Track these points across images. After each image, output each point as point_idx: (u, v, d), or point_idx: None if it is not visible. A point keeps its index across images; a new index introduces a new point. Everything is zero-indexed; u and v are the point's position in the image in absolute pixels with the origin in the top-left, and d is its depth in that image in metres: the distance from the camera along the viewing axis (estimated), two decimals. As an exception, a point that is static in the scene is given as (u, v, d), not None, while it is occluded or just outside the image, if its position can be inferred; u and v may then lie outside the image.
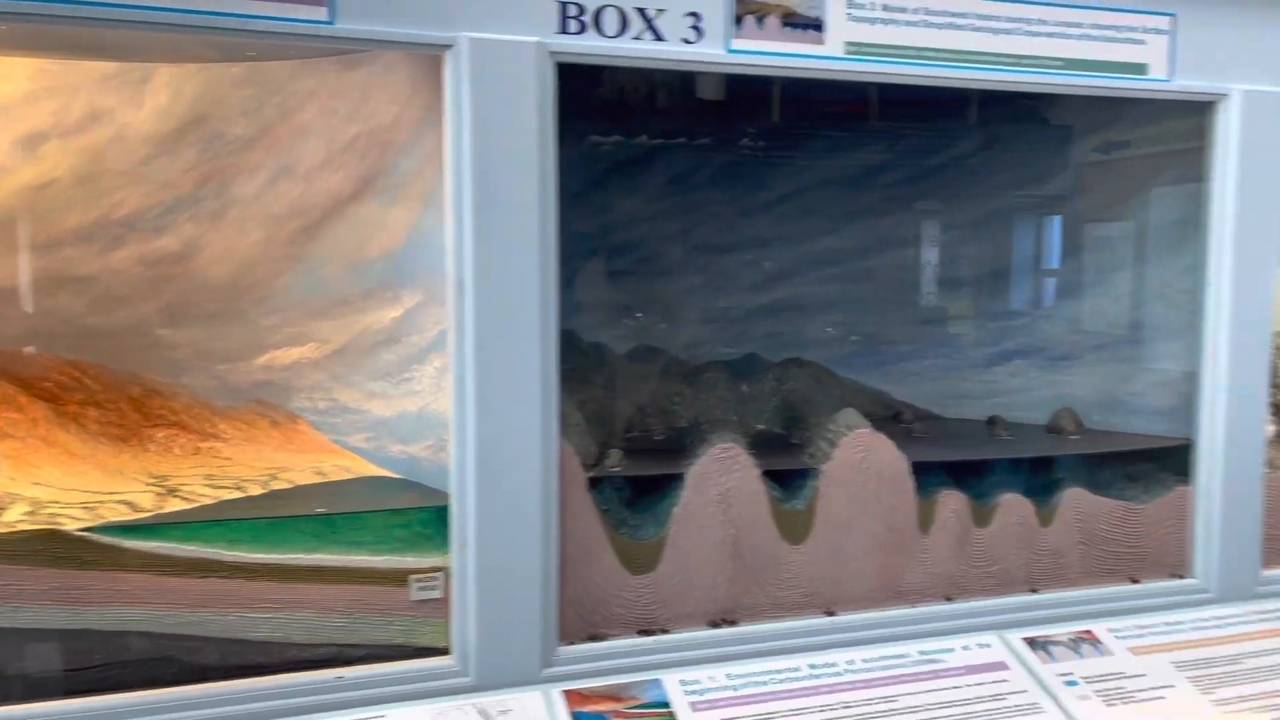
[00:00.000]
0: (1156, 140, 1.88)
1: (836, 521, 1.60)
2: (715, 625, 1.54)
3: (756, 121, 2.04)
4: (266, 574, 1.37)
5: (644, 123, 1.96)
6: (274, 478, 1.54)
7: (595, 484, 1.51)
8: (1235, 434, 1.74)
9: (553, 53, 1.37)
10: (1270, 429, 2.08)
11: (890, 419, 2.02)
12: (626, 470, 1.59)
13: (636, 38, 1.41)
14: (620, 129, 1.95)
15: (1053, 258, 2.05)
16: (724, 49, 1.45)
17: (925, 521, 1.64)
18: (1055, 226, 2.06)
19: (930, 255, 2.17)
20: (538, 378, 1.38)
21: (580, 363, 1.78)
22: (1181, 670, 1.58)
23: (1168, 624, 1.68)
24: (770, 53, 1.47)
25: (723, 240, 2.08)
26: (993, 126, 2.04)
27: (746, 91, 1.99)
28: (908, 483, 1.63)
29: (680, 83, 1.96)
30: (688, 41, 1.43)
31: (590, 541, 1.48)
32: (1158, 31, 1.63)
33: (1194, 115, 1.73)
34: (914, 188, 2.10)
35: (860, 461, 1.61)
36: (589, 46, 1.39)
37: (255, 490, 1.49)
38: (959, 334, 2.08)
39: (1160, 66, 1.64)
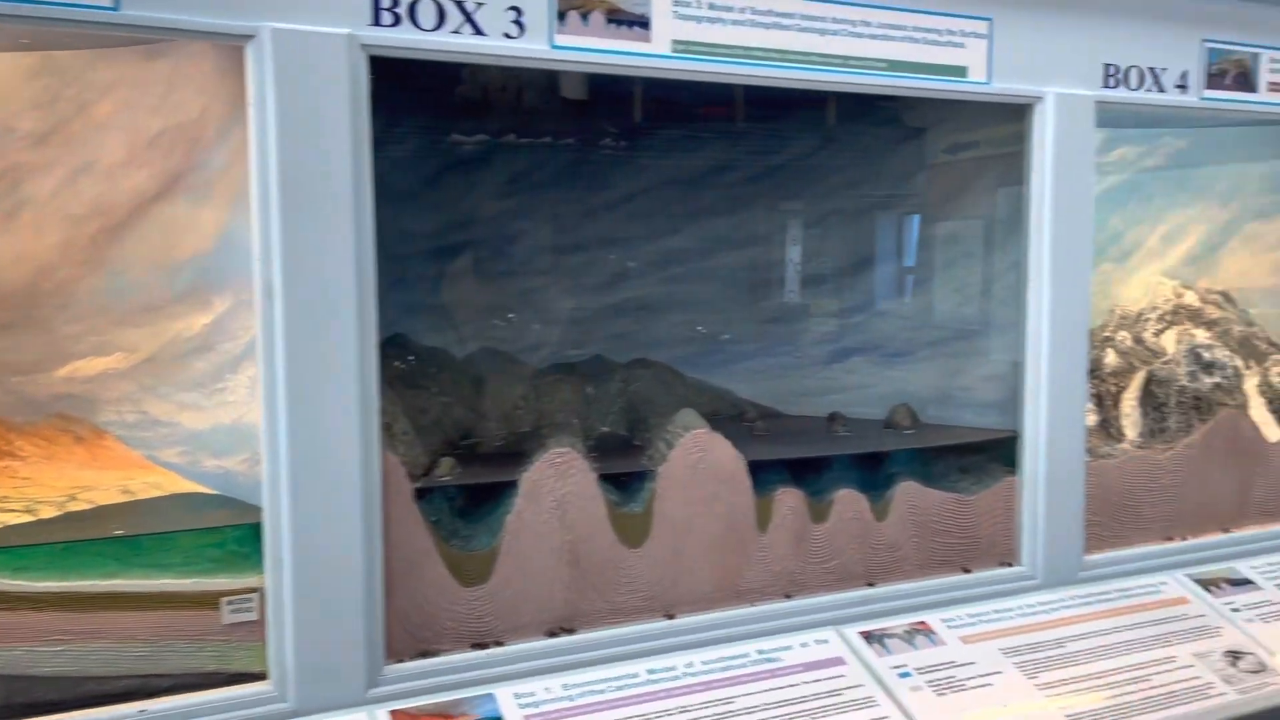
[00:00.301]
0: (999, 142, 1.94)
1: (674, 523, 1.58)
2: (553, 635, 1.51)
3: (602, 120, 2.02)
4: (58, 603, 1.27)
5: (485, 120, 1.91)
6: (72, 498, 1.44)
7: (423, 494, 1.45)
8: (1057, 425, 1.80)
9: (364, 45, 1.31)
10: (1091, 419, 2.17)
11: (734, 418, 2.03)
12: (459, 479, 1.54)
13: (455, 31, 1.36)
14: (460, 126, 1.90)
15: (894, 256, 2.10)
16: (548, 45, 1.42)
17: (763, 520, 1.65)
18: (898, 226, 2.11)
19: (776, 254, 2.19)
20: (355, 386, 1.31)
21: (414, 367, 1.72)
22: (1009, 657, 1.62)
23: (997, 611, 1.73)
24: (595, 49, 1.44)
25: (569, 240, 2.05)
26: (839, 127, 2.07)
27: (593, 89, 1.96)
28: (745, 482, 1.63)
29: (525, 80, 1.92)
30: (509, 36, 1.39)
31: (418, 554, 1.42)
32: (976, 35, 1.68)
33: (1019, 118, 1.79)
34: (760, 186, 2.12)
35: (697, 462, 1.60)
36: (404, 40, 1.34)
37: (49, 512, 1.38)
38: (802, 332, 2.10)
39: (979, 69, 1.69)
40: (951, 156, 2.00)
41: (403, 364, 1.69)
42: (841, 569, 1.71)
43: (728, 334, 2.13)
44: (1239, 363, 2.25)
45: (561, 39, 1.42)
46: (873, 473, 1.80)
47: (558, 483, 1.51)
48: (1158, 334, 2.40)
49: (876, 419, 2.02)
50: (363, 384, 1.32)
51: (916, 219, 2.06)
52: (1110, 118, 2.38)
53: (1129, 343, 2.35)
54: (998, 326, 1.91)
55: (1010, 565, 1.83)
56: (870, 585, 1.72)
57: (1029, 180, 1.78)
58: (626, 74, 1.49)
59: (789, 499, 1.67)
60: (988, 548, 1.83)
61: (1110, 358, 2.29)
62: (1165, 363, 2.21)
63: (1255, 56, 1.92)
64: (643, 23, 1.47)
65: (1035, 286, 1.79)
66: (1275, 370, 2.24)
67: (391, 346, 1.71)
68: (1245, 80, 1.91)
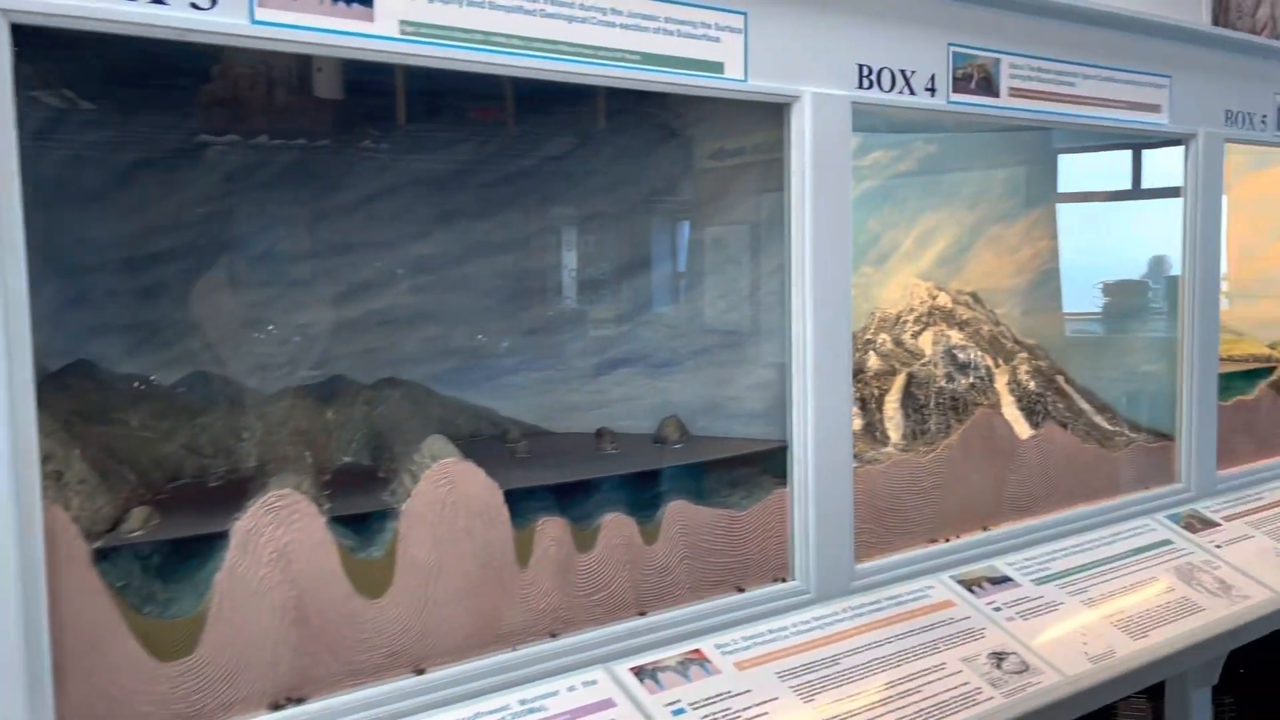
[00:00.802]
0: (764, 148, 1.87)
1: (421, 567, 1.41)
2: (278, 707, 1.30)
3: (335, 112, 1.80)
4: None
5: (196, 111, 1.66)
6: None
7: (106, 555, 1.21)
8: (824, 432, 1.76)
9: (4, 10, 1.06)
10: (856, 423, 2.16)
11: (496, 439, 1.87)
12: (154, 533, 1.30)
13: (126, -3, 1.13)
14: (160, 117, 1.63)
15: (663, 262, 2.00)
16: (247, 19, 1.21)
17: (524, 554, 1.50)
18: (667, 231, 2.01)
19: (539, 261, 2.04)
20: (2, 429, 1.06)
21: (102, 399, 1.45)
22: (785, 680, 1.55)
23: (771, 631, 1.65)
24: (305, 27, 1.25)
25: (300, 246, 1.82)
26: (605, 126, 1.95)
27: (327, 81, 1.74)
28: (502, 514, 1.48)
29: (241, 62, 1.68)
30: (198, 8, 1.18)
31: (99, 629, 1.18)
32: (731, 30, 1.60)
33: (779, 121, 1.73)
34: (519, 188, 1.97)
35: (446, 496, 1.43)
36: (59, 5, 1.09)
37: None
38: (568, 342, 1.97)
39: (736, 66, 1.61)
40: (718, 162, 1.92)
41: (85, 396, 1.42)
42: (611, 600, 1.58)
43: (488, 347, 1.96)
44: (991, 362, 2.31)
45: (264, 13, 1.22)
46: (642, 493, 1.69)
47: (278, 530, 1.30)
48: (915, 335, 2.43)
49: (646, 433, 1.91)
50: (12, 426, 1.07)
51: (686, 224, 1.97)
52: (865, 121, 2.39)
53: (889, 345, 2.37)
54: (764, 333, 1.84)
55: (784, 580, 1.77)
56: (642, 614, 1.61)
57: (789, 182, 1.72)
58: (346, 57, 1.31)
59: (552, 529, 1.52)
60: (761, 564, 1.75)
61: (873, 360, 2.30)
62: (924, 364, 2.24)
63: (996, 62, 1.95)
64: (364, 0, 1.29)
65: (798, 290, 1.73)
66: (1023, 369, 2.32)
67: (71, 376, 1.44)
68: (988, 85, 1.94)
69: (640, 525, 1.62)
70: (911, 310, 2.51)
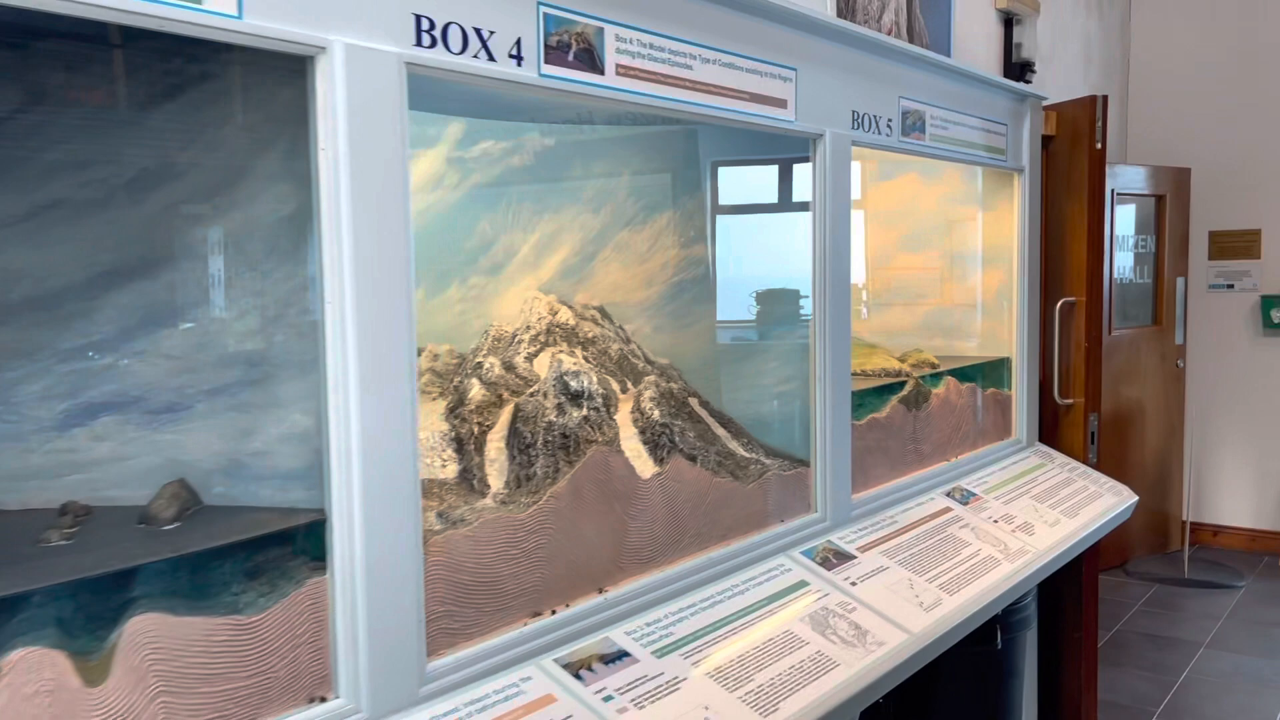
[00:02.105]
0: (295, 115, 1.39)
1: None
2: None
3: None
4: None
5: None
6: None
7: None
8: (377, 494, 1.32)
9: None
10: (450, 470, 1.75)
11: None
12: None
13: None
14: None
15: (159, 269, 1.46)
16: None
17: None
18: (165, 226, 1.48)
19: None
20: None
21: None
22: None
23: (293, 782, 1.19)
24: None
25: None
26: (61, 81, 1.38)
27: None
28: None
29: None
30: None
31: None
32: (206, -62, 1.12)
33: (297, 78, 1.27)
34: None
35: None
36: None
37: None
38: (17, 382, 1.39)
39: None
40: (236, 135, 1.43)
41: None
42: (29, 778, 1.05)
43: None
44: (616, 387, 1.99)
45: None
46: (94, 606, 1.17)
47: None
48: (530, 358, 2.07)
49: (144, 502, 1.38)
50: None
51: (195, 217, 1.46)
52: (463, 101, 1.99)
53: (498, 370, 1.99)
54: (296, 366, 1.38)
55: (324, 700, 1.31)
56: (87, 789, 1.09)
57: (315, 165, 1.27)
58: None
59: (-97, 687, 0.97)
60: (290, 683, 1.29)
61: (475, 390, 1.90)
62: (533, 393, 1.87)
63: (599, 31, 1.62)
64: None
65: (334, 309, 1.29)
66: (648, 395, 2.02)
67: None
68: (590, 58, 1.60)
69: (79, 659, 1.10)
70: (529, 328, 2.14)
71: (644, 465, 1.89)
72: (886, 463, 2.61)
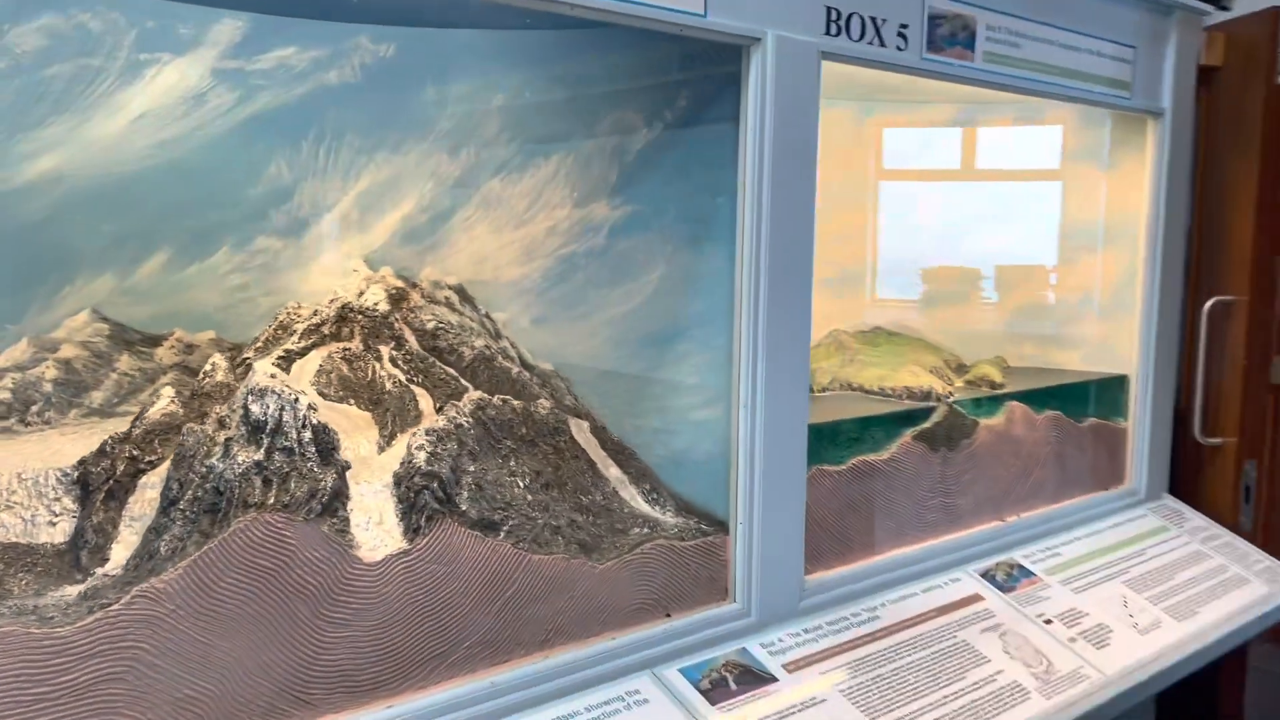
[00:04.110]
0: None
1: None
2: None
3: None
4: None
5: None
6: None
7: None
8: None
9: None
10: (59, 533, 1.17)
11: None
12: None
13: None
14: None
15: None
16: None
17: None
18: None
19: None
20: None
21: None
22: None
23: None
24: None
25: None
26: None
27: None
28: None
29: None
30: None
31: None
32: None
33: None
34: None
35: None
36: None
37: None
38: None
39: None
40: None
41: None
42: None
43: None
44: (353, 416, 1.33)
45: None
46: None
47: None
48: (289, 360, 1.44)
49: None
50: None
51: None
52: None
53: (220, 376, 1.36)
54: None
55: None
56: None
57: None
58: None
59: None
60: None
61: (158, 406, 1.29)
62: (208, 419, 1.24)
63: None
64: None
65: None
66: (433, 425, 1.35)
67: None
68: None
69: None
70: (315, 314, 1.51)
71: (380, 539, 1.23)
72: (886, 525, 1.82)
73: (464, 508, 1.29)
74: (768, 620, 1.57)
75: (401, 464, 1.28)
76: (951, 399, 1.98)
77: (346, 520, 1.19)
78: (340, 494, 1.20)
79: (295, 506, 1.15)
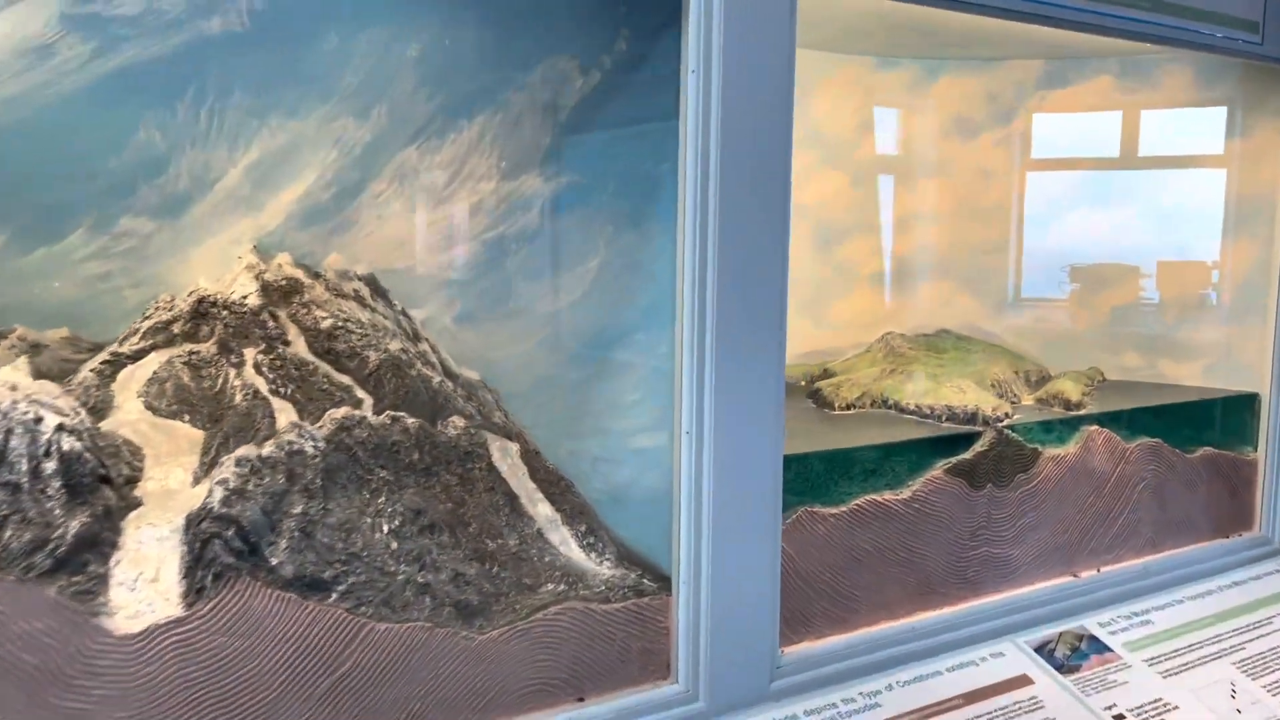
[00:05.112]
0: None
1: None
2: None
3: None
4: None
5: None
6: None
7: None
8: None
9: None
10: None
11: None
12: None
13: None
14: None
15: None
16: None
17: None
18: None
19: None
20: None
21: None
22: None
23: None
24: None
25: None
26: None
27: None
28: None
29: None
30: None
31: None
32: None
33: None
34: None
35: None
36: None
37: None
38: None
39: None
40: None
41: None
42: None
43: None
44: (163, 441, 1.05)
45: None
46: None
47: None
48: (113, 368, 1.18)
49: None
50: None
51: None
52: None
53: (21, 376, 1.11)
54: None
55: None
56: None
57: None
58: None
59: None
60: None
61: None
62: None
63: None
64: None
65: None
66: (243, 458, 1.06)
67: None
68: None
69: None
70: (158, 310, 1.26)
71: (148, 602, 0.94)
72: (904, 582, 1.44)
73: (275, 561, 1.00)
74: (722, 708, 1.22)
75: (201, 503, 1.00)
76: (1003, 422, 1.57)
77: (102, 578, 0.92)
78: (99, 543, 0.93)
79: (6, 562, 0.88)
